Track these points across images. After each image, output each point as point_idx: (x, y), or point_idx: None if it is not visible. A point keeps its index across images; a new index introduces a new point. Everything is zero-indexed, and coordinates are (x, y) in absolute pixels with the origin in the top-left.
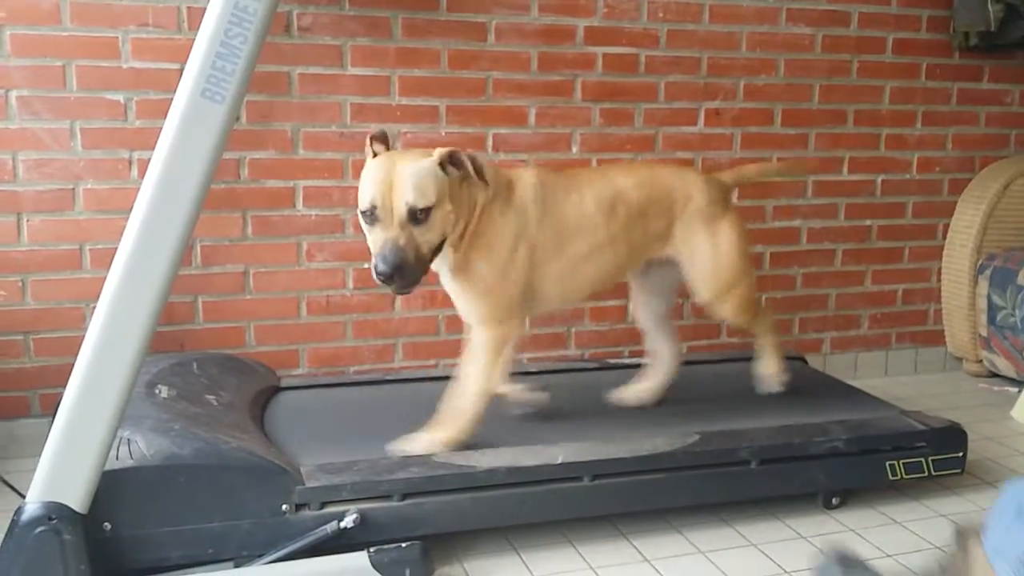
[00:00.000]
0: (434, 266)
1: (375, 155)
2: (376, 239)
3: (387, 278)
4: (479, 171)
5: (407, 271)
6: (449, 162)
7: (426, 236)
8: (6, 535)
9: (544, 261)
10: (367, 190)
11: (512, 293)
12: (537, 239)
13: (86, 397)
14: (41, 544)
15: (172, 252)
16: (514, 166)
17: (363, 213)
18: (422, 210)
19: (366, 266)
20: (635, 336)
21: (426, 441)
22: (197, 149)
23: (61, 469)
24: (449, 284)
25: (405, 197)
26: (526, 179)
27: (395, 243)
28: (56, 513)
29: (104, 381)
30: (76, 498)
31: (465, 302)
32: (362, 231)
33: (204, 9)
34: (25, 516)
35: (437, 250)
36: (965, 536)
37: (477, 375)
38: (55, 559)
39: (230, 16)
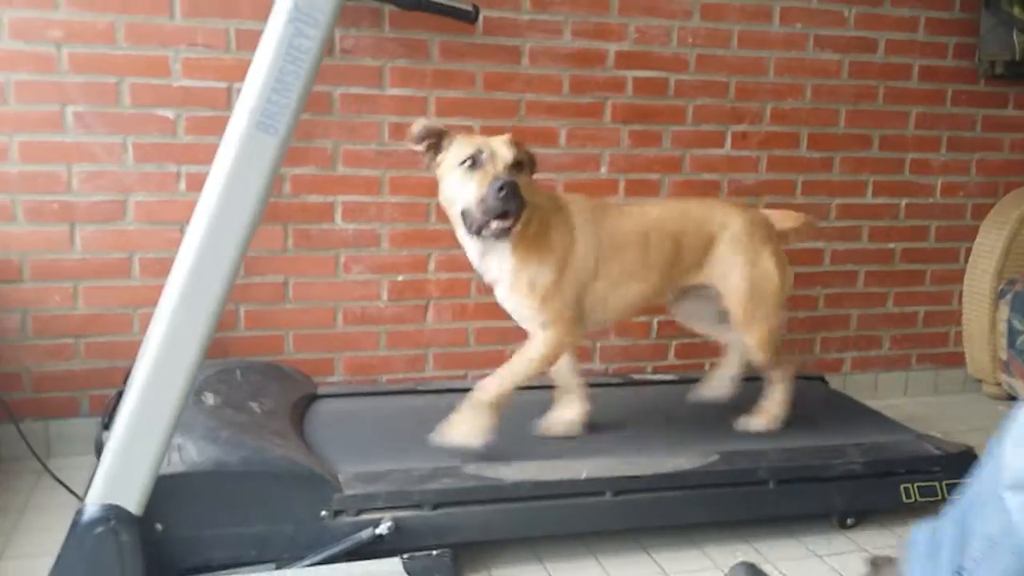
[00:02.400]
0: (492, 277)
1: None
2: (482, 177)
3: (503, 199)
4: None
5: (519, 200)
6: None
7: (524, 186)
8: (68, 534)
9: (590, 281)
10: (468, 145)
11: (570, 298)
12: (585, 260)
13: (145, 407)
14: (100, 543)
15: (228, 270)
16: (553, 188)
17: (466, 160)
18: (520, 160)
19: (400, 278)
20: (659, 352)
21: (458, 420)
22: (253, 176)
23: (120, 474)
24: (509, 295)
25: (513, 150)
26: (578, 204)
27: (508, 181)
28: (114, 515)
29: (163, 392)
30: (133, 501)
31: (524, 310)
32: (396, 244)
33: (252, 31)
34: (86, 517)
35: (519, 213)
36: (878, 567)
37: (524, 357)
38: (113, 558)
39: (285, 55)
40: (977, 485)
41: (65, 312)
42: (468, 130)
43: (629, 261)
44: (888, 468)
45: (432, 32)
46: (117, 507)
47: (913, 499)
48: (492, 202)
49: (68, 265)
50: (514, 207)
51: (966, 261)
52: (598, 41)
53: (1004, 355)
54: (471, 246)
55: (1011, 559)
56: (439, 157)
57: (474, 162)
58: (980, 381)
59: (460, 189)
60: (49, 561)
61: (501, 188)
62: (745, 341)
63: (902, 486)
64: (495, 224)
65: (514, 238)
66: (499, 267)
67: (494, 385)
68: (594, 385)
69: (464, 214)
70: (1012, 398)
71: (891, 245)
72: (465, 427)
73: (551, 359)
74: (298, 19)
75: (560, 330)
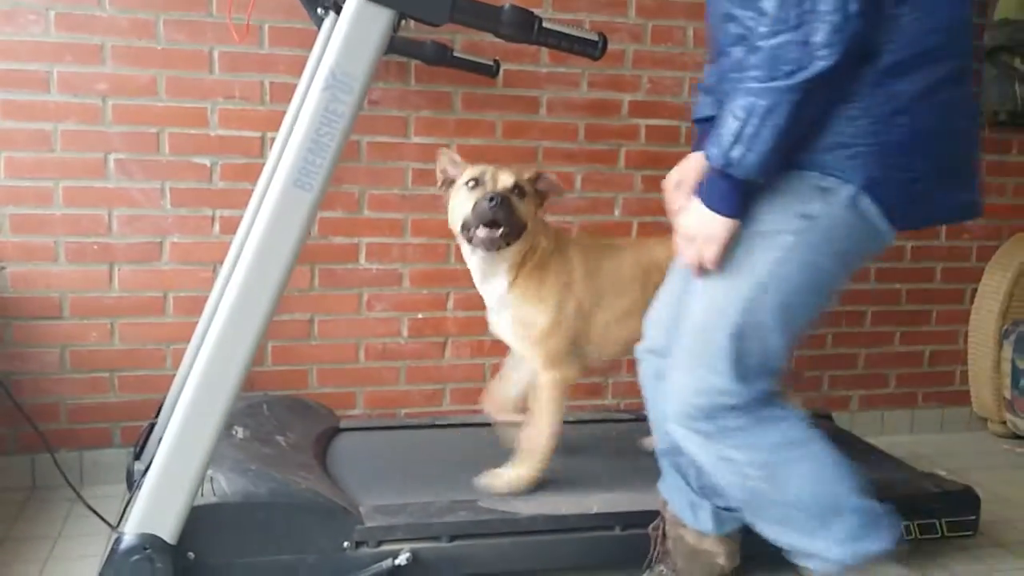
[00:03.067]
0: (490, 304)
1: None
2: (480, 193)
3: (494, 208)
4: (557, 190)
5: (508, 212)
6: (536, 179)
7: (520, 209)
8: (106, 561)
9: (591, 314)
10: (474, 169)
11: (566, 339)
12: (584, 294)
13: (183, 440)
14: (137, 570)
15: (265, 312)
16: (569, 231)
17: (468, 183)
18: (521, 188)
19: (420, 316)
20: None
21: (511, 478)
22: (289, 229)
23: (157, 504)
24: (507, 329)
25: (512, 176)
26: (579, 243)
27: (500, 193)
28: (150, 543)
29: (199, 428)
30: (168, 530)
31: (525, 348)
32: (417, 283)
33: (285, 84)
34: (123, 545)
35: (517, 234)
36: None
37: (545, 416)
38: None
39: (321, 119)
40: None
41: (102, 347)
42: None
43: (630, 299)
44: (890, 505)
45: (455, 85)
46: (153, 536)
47: (914, 536)
48: (482, 208)
49: (106, 303)
50: (503, 218)
51: (971, 302)
52: (613, 91)
53: (1008, 394)
54: (473, 265)
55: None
56: (454, 186)
57: (476, 183)
58: (985, 419)
59: (462, 204)
60: None
61: (492, 199)
62: None
63: (902, 524)
64: (483, 231)
65: (513, 271)
66: (497, 297)
67: (530, 464)
68: (606, 421)
69: (462, 226)
70: (1017, 436)
71: (898, 285)
72: (510, 477)
73: (561, 398)
74: (334, 86)
75: (560, 369)
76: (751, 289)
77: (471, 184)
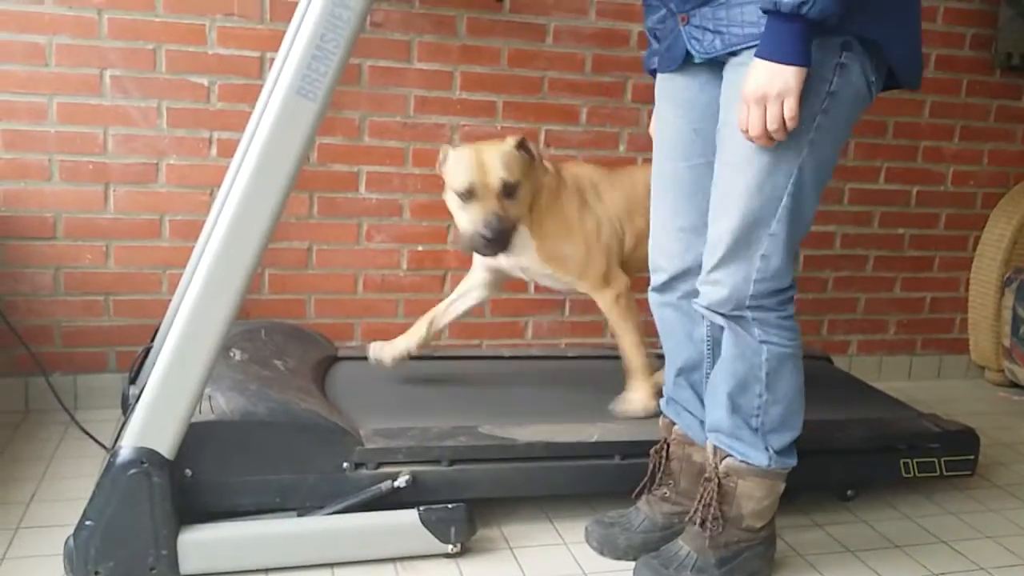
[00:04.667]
0: (521, 264)
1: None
2: (475, 212)
3: (489, 242)
4: (539, 156)
5: (504, 236)
6: (521, 146)
7: (515, 209)
8: (103, 474)
9: (617, 224)
10: (463, 173)
11: (602, 256)
12: (602, 209)
13: (181, 356)
14: (133, 484)
15: (266, 227)
16: (563, 161)
17: (460, 193)
18: (512, 184)
19: (420, 248)
20: None
21: (637, 400)
22: (292, 139)
23: (154, 418)
24: (543, 275)
25: (499, 174)
26: (574, 169)
27: (496, 213)
28: (147, 457)
29: (198, 343)
30: (165, 445)
31: (571, 279)
32: (417, 215)
33: (286, 2)
34: (120, 458)
35: (515, 230)
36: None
37: (624, 333)
38: (144, 498)
39: (326, 23)
40: None
41: (96, 270)
42: (469, 139)
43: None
44: (888, 443)
45: (460, 9)
46: (150, 450)
47: (912, 474)
48: (478, 242)
49: (101, 224)
50: (499, 240)
51: (974, 249)
52: (622, 21)
53: (1007, 342)
54: None
55: None
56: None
57: (469, 194)
58: (983, 368)
59: (457, 215)
60: (77, 506)
61: (485, 230)
62: None
63: (901, 461)
64: (483, 251)
65: (527, 220)
66: (518, 247)
67: (635, 363)
68: (607, 357)
69: (461, 235)
70: (1014, 384)
71: (901, 231)
72: (638, 398)
73: (629, 308)
74: None
75: (612, 284)
76: (795, 170)
77: (464, 196)
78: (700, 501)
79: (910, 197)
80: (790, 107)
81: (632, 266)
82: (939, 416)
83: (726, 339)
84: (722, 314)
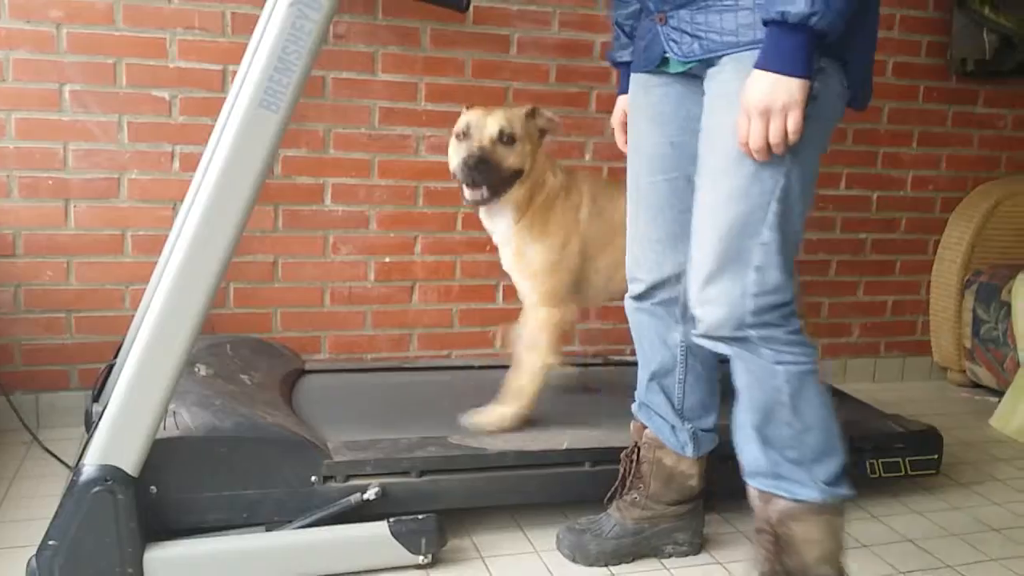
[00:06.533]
0: (498, 240)
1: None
2: (464, 148)
3: (471, 170)
4: (555, 127)
5: (487, 172)
6: (532, 114)
7: (508, 159)
8: (66, 492)
9: (594, 256)
10: (462, 119)
11: (564, 279)
12: (588, 234)
13: (144, 372)
14: (98, 502)
15: (229, 240)
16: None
17: (456, 134)
18: (509, 135)
19: (387, 260)
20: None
21: (496, 415)
22: (255, 152)
23: (118, 436)
24: (510, 264)
25: (498, 122)
26: (585, 180)
27: (482, 147)
28: (111, 475)
29: (161, 359)
30: (129, 462)
31: (523, 281)
32: (384, 226)
33: (247, 15)
34: (84, 477)
35: (508, 183)
36: None
37: (535, 354)
38: (109, 516)
39: (288, 35)
40: None
41: (58, 287)
42: (485, 105)
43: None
44: (853, 444)
45: (424, 20)
46: (114, 467)
47: (878, 474)
48: (460, 173)
49: (62, 240)
50: (483, 177)
51: (934, 253)
52: (585, 32)
53: (969, 343)
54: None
55: None
56: None
57: (464, 134)
58: (946, 369)
59: (451, 156)
60: (40, 526)
61: (469, 159)
62: None
63: (867, 462)
64: (467, 191)
65: (519, 209)
66: (503, 234)
67: (517, 402)
68: (576, 365)
69: (452, 173)
70: (976, 385)
71: (863, 236)
72: (501, 412)
73: (558, 340)
74: (300, 1)
75: (557, 308)
76: (781, 176)
77: (459, 136)
78: (759, 556)
79: (871, 202)
80: (795, 120)
81: (607, 290)
82: (903, 417)
83: (736, 370)
84: (724, 339)
